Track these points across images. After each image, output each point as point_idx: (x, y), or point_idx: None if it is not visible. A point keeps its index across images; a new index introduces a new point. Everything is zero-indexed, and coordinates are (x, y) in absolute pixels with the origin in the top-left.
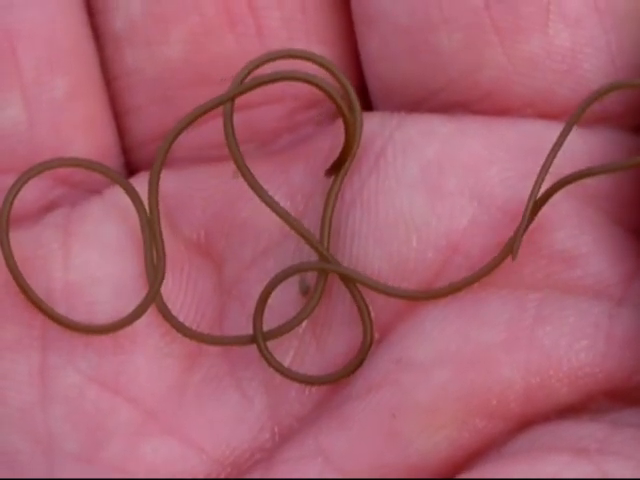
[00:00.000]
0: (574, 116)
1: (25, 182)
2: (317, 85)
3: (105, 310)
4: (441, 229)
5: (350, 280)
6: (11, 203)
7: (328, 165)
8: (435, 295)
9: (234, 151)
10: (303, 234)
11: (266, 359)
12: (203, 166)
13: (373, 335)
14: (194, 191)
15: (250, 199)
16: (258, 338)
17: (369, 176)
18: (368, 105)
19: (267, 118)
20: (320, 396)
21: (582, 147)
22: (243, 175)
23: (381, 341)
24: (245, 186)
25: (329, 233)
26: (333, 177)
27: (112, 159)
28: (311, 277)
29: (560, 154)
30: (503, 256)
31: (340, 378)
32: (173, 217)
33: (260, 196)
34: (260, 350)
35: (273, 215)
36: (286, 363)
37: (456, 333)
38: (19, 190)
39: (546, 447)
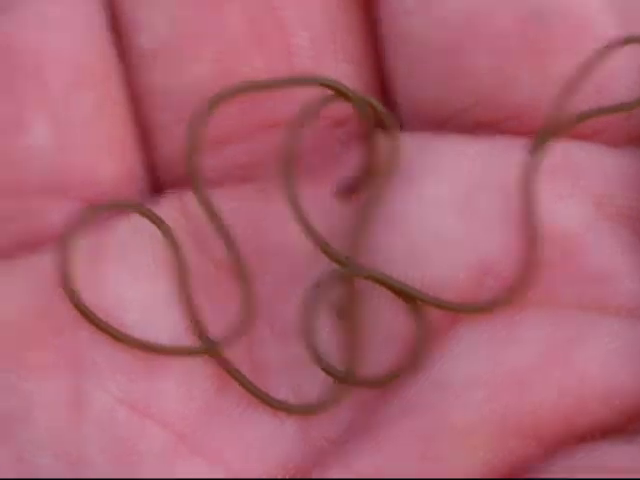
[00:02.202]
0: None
1: None
2: (347, 96)
3: (136, 331)
4: (473, 250)
5: (409, 296)
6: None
7: (346, 186)
8: (485, 309)
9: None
10: (335, 256)
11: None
12: (229, 187)
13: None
14: (222, 212)
15: (279, 222)
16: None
17: (399, 197)
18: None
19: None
20: (352, 417)
21: (614, 167)
22: (287, 190)
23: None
24: (273, 208)
25: (357, 252)
26: (365, 197)
27: (139, 179)
28: (342, 299)
29: (593, 175)
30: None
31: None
32: (201, 237)
33: (298, 216)
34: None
35: (303, 239)
36: None
37: (490, 355)
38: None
39: (581, 470)
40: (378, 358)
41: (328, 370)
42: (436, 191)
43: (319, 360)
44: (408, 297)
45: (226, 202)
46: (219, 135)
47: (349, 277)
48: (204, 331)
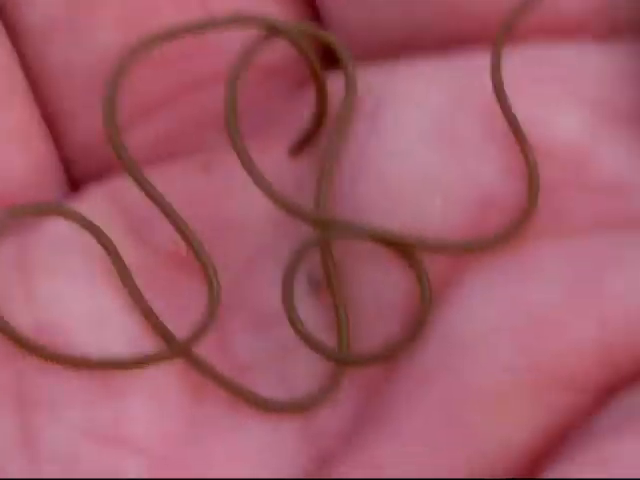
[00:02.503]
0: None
1: None
2: (286, 32)
3: (89, 348)
4: (467, 183)
5: (404, 246)
6: None
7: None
8: (495, 243)
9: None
10: (312, 218)
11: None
12: (161, 163)
13: (431, 308)
14: (162, 195)
15: (232, 195)
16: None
17: (368, 139)
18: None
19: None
20: (357, 403)
21: (604, 64)
22: (238, 153)
23: None
24: (221, 179)
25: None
26: (328, 144)
27: (53, 173)
28: (318, 268)
29: (582, 76)
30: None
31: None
32: (143, 230)
33: (257, 180)
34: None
35: (263, 209)
36: None
37: (508, 298)
38: None
39: (638, 420)
40: (376, 330)
41: (320, 349)
42: (411, 124)
43: (308, 339)
44: (403, 248)
45: (163, 181)
46: (138, 104)
47: (330, 240)
48: (167, 331)
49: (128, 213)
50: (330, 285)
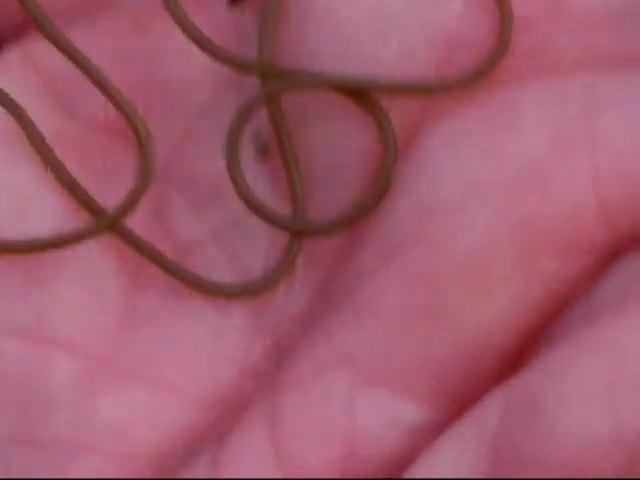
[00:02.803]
0: None
1: None
2: None
3: (10, 234)
4: (429, 20)
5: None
6: None
7: None
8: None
9: None
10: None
11: None
12: (87, 22)
13: (396, 164)
14: (87, 55)
15: (168, 55)
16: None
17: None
18: None
19: None
20: (316, 281)
21: None
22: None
23: None
24: (157, 40)
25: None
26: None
27: None
28: (265, 129)
29: None
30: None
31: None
32: (66, 96)
33: (192, 35)
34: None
35: (202, 69)
36: None
37: (486, 151)
38: None
39: None
40: (334, 194)
41: (273, 220)
42: None
43: (258, 209)
44: (359, 95)
45: (87, 41)
46: None
47: (276, 94)
48: (93, 203)
49: (49, 78)
50: (280, 146)
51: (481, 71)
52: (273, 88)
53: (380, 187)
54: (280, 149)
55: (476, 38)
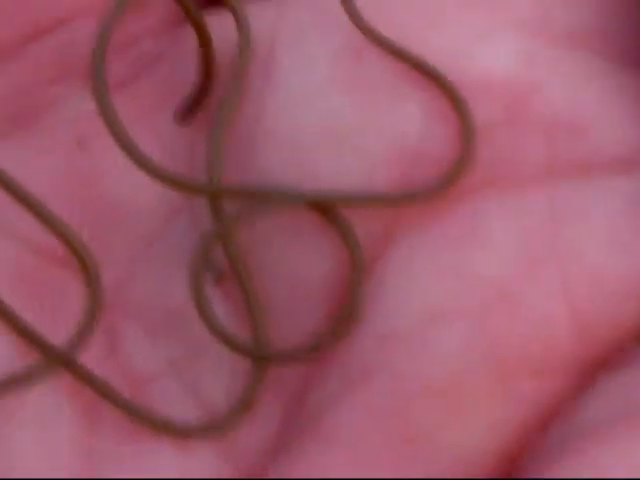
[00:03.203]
0: None
1: None
2: None
3: None
4: (386, 134)
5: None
6: None
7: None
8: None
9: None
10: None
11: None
12: (22, 139)
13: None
14: (23, 175)
15: (114, 174)
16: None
17: (262, 91)
18: None
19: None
20: (279, 410)
21: None
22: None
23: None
24: (102, 158)
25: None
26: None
27: None
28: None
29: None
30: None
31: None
32: (4, 218)
33: (132, 155)
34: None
35: (151, 189)
36: None
37: (453, 270)
38: None
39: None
40: (298, 320)
41: (236, 347)
42: (311, 69)
43: (224, 337)
44: (322, 210)
45: (22, 159)
46: None
47: (229, 223)
48: (41, 339)
49: None
50: (236, 272)
51: (445, 182)
52: (229, 220)
53: (348, 315)
54: (236, 277)
55: (437, 151)
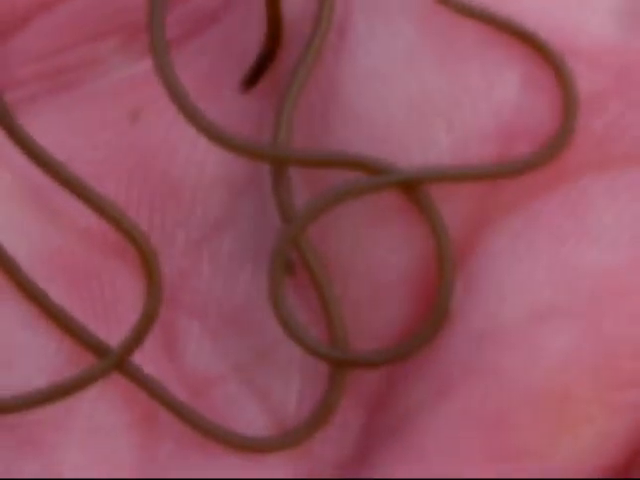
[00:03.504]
0: None
1: None
2: None
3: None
4: (482, 106)
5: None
6: None
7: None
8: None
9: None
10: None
11: None
12: (65, 108)
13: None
14: (68, 152)
15: (171, 150)
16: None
17: (337, 60)
18: None
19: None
20: (360, 418)
21: None
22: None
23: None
24: (156, 132)
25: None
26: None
27: None
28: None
29: None
30: None
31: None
32: (48, 200)
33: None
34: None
35: (213, 167)
36: None
37: (557, 263)
38: None
39: None
40: (378, 318)
41: (317, 351)
42: (394, 38)
43: (302, 341)
44: (407, 184)
45: (67, 132)
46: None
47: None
48: (96, 341)
49: (24, 178)
50: (308, 268)
51: (547, 154)
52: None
53: (437, 315)
54: (308, 271)
55: (537, 125)
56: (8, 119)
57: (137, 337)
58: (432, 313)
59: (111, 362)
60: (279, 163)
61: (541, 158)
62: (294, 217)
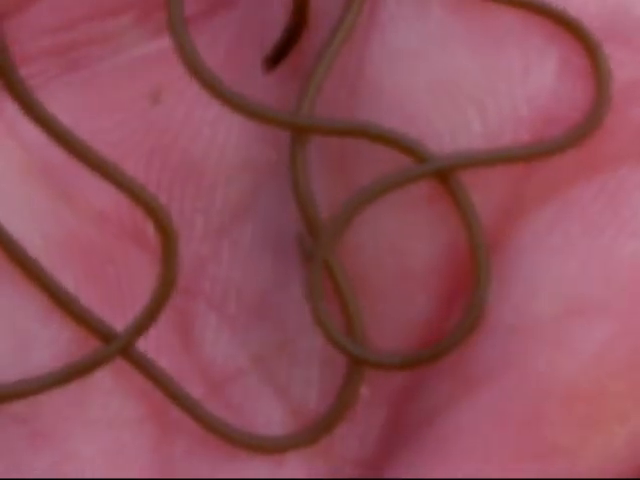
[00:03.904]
0: None
1: None
2: None
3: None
4: (517, 92)
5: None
6: None
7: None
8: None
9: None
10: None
11: None
12: (83, 89)
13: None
14: (87, 132)
15: (192, 132)
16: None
17: (366, 37)
18: None
19: None
20: (384, 415)
21: None
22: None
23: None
24: (178, 113)
25: None
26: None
27: None
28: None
29: None
30: None
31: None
32: (62, 180)
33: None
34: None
35: (235, 150)
36: None
37: (593, 255)
38: None
39: None
40: (404, 311)
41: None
42: (427, 16)
43: (333, 337)
44: (438, 173)
45: (86, 114)
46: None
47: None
48: (103, 324)
49: (38, 156)
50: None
51: (580, 134)
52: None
53: (471, 317)
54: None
55: (574, 111)
56: (25, 95)
57: (141, 321)
58: (465, 314)
59: (115, 348)
60: (300, 131)
61: (572, 140)
62: (310, 200)
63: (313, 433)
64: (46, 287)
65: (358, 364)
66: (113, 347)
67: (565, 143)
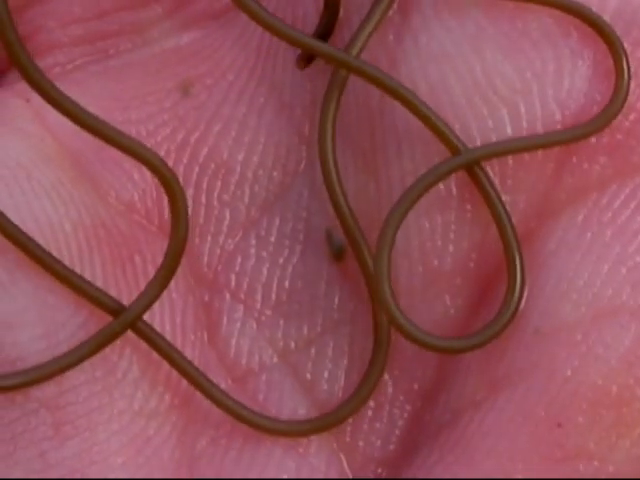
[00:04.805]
0: None
1: None
2: None
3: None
4: (550, 95)
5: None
6: None
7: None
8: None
9: None
10: None
11: None
12: (113, 79)
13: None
14: (119, 123)
15: (221, 126)
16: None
17: (400, 40)
18: None
19: None
20: (406, 418)
21: None
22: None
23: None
24: (209, 107)
25: None
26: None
27: None
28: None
29: None
30: None
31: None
32: (89, 167)
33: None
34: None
35: (261, 145)
36: None
37: (626, 259)
38: None
39: None
40: (431, 307)
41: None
42: (458, 19)
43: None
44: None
45: (115, 104)
46: None
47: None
48: (111, 299)
49: (64, 141)
50: (357, 252)
51: (594, 126)
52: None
53: (505, 315)
54: (356, 253)
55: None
56: (44, 84)
57: (145, 294)
58: (500, 311)
59: (125, 321)
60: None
61: (591, 127)
62: (340, 187)
63: (335, 417)
64: (49, 265)
65: (422, 346)
66: (122, 320)
67: (586, 131)
